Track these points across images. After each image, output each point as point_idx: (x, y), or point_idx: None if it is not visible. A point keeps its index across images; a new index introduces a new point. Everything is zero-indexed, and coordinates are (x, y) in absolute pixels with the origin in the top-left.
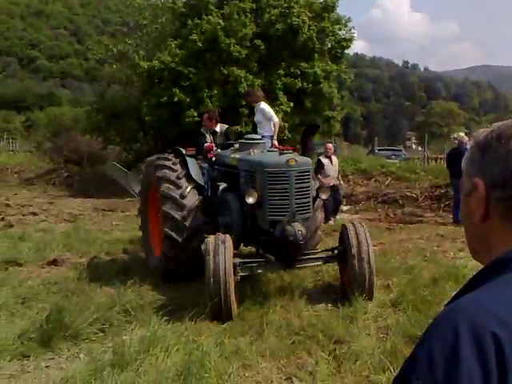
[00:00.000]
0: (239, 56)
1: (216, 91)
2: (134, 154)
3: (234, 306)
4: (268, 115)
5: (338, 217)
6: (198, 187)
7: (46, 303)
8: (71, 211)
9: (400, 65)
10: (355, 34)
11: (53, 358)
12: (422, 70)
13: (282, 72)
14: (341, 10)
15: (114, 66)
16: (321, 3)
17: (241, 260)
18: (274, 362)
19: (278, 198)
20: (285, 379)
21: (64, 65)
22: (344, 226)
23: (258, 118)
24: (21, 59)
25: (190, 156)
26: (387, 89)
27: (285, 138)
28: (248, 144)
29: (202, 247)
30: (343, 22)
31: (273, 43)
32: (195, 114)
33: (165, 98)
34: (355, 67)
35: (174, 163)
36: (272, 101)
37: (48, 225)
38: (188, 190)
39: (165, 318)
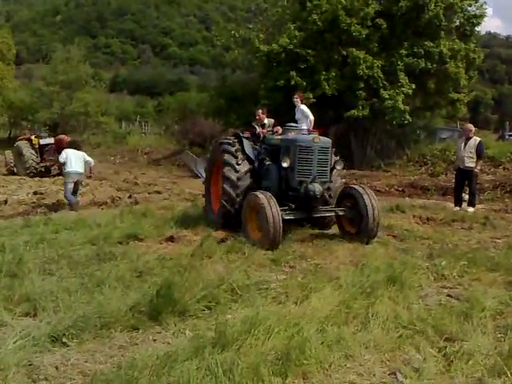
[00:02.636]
0: (359, 36)
1: (334, 73)
2: None
3: (281, 237)
4: (306, 114)
5: (464, 205)
6: (249, 160)
7: (159, 278)
8: (192, 191)
9: None
10: (488, 11)
11: (160, 332)
12: None
13: (404, 52)
14: None
15: (236, 52)
16: None
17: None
18: (378, 355)
19: (304, 164)
20: (388, 374)
21: (193, 51)
22: (353, 188)
23: (298, 115)
24: (154, 46)
25: (246, 138)
26: None
27: (405, 122)
28: (288, 129)
29: (252, 198)
30: None
31: (395, 22)
32: (311, 96)
33: (282, 81)
34: (487, 47)
35: (233, 142)
36: (392, 83)
37: (170, 203)
38: (242, 159)
39: (269, 299)
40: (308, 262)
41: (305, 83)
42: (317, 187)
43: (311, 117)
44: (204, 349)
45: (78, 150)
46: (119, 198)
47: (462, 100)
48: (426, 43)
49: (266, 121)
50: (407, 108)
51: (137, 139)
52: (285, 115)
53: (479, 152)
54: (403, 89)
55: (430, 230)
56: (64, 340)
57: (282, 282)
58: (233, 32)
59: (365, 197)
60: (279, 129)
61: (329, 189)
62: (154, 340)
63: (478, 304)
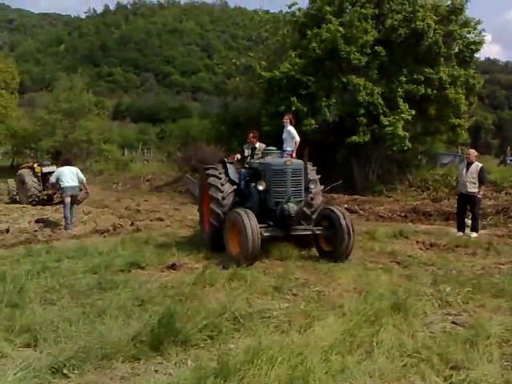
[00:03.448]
0: (359, 64)
1: (334, 100)
2: None
3: (258, 253)
4: (292, 135)
5: (467, 231)
6: (232, 182)
7: (161, 307)
8: (194, 217)
9: None
10: (486, 38)
11: (161, 363)
12: None
13: (403, 79)
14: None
15: (237, 79)
16: (448, 6)
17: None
18: None
19: (278, 186)
20: None
21: (195, 79)
22: (330, 209)
23: (284, 135)
24: (157, 74)
25: (230, 163)
26: None
27: (405, 148)
28: (266, 153)
29: (233, 215)
30: (472, 24)
31: (395, 49)
32: (313, 121)
33: (283, 107)
34: (487, 73)
35: (219, 172)
36: (392, 109)
37: (172, 230)
38: (225, 181)
39: (271, 328)
40: (311, 289)
41: (306, 109)
42: (291, 207)
43: (297, 138)
44: (206, 379)
45: (70, 165)
46: (121, 225)
47: (462, 125)
48: (425, 70)
49: (257, 144)
50: (407, 134)
51: (139, 166)
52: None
53: (481, 177)
54: (403, 115)
55: (434, 256)
56: (65, 371)
57: (285, 310)
58: (234, 60)
59: (341, 218)
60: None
61: (310, 206)
62: (156, 371)
63: (484, 331)
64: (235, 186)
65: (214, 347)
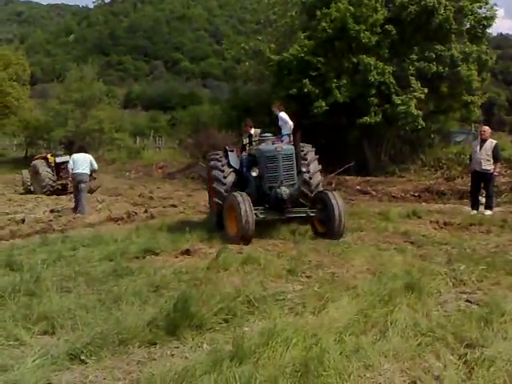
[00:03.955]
0: (369, 43)
1: (345, 81)
2: None
3: (253, 233)
4: (285, 121)
5: (481, 208)
6: (235, 170)
7: (176, 292)
8: (207, 203)
9: None
10: (498, 12)
11: (178, 347)
12: None
13: (414, 57)
14: None
15: (247, 64)
16: None
17: (255, 208)
18: (398, 364)
19: (271, 171)
20: (408, 383)
21: (204, 65)
22: (324, 193)
23: (280, 123)
24: (166, 62)
25: (232, 151)
26: None
27: (419, 127)
28: (261, 140)
29: (230, 198)
30: None
31: (405, 27)
32: (323, 104)
33: (294, 90)
34: (499, 48)
35: (220, 156)
36: (404, 88)
37: (185, 216)
38: (227, 172)
39: (286, 310)
40: (324, 271)
41: (317, 91)
42: (284, 191)
43: (290, 122)
44: (222, 362)
45: (85, 152)
46: (135, 213)
47: (475, 102)
48: (436, 47)
49: (252, 131)
50: (420, 113)
51: (151, 154)
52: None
53: (496, 154)
54: (415, 94)
55: (448, 235)
56: (82, 357)
57: (299, 292)
58: (243, 44)
59: (333, 200)
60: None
61: (309, 184)
62: (172, 355)
63: (498, 309)
64: (236, 176)
65: (229, 330)
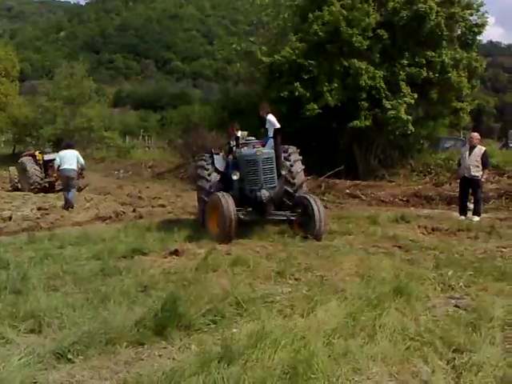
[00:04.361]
0: (361, 47)
1: (336, 84)
2: None
3: (234, 232)
4: (272, 123)
5: (469, 214)
6: (218, 171)
7: (164, 292)
8: (196, 204)
9: None
10: (489, 20)
11: (165, 348)
12: None
13: (405, 62)
14: None
15: (238, 65)
16: None
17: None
18: (386, 368)
19: (251, 174)
20: None
21: (196, 65)
22: (304, 197)
23: (267, 125)
24: (157, 61)
25: (217, 153)
26: None
27: (408, 132)
28: (244, 144)
29: (213, 198)
30: (475, 6)
31: (397, 32)
32: (315, 107)
33: (285, 93)
34: (489, 56)
35: (207, 158)
36: (394, 93)
37: (174, 216)
38: (211, 171)
39: (274, 312)
40: (313, 273)
41: (308, 94)
42: (263, 193)
43: (277, 125)
44: (210, 364)
45: (72, 149)
46: (123, 212)
47: (464, 109)
48: (427, 53)
49: (239, 134)
50: (410, 118)
51: (140, 153)
52: (289, 126)
53: (484, 161)
54: (405, 99)
55: (436, 240)
56: (69, 356)
57: (288, 294)
58: (234, 45)
59: (313, 204)
60: None
61: (292, 184)
62: (160, 355)
63: (486, 314)
64: (220, 176)
65: (218, 332)
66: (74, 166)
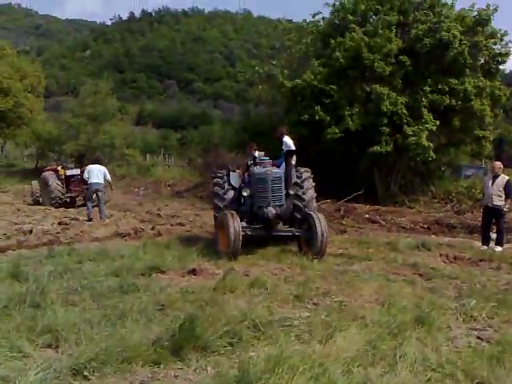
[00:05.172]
0: (383, 73)
1: (357, 109)
2: None
3: (239, 249)
4: (288, 145)
5: (492, 244)
6: (234, 188)
7: (182, 311)
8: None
9: None
10: None
11: (182, 368)
12: None
13: (428, 89)
14: (498, 22)
15: (260, 87)
16: (474, 17)
17: (244, 225)
18: None
19: (260, 192)
20: None
21: (217, 87)
22: (309, 214)
23: (283, 146)
24: (179, 81)
25: (233, 171)
26: None
27: (429, 158)
28: (257, 163)
29: (221, 216)
30: (499, 35)
31: (419, 59)
32: (336, 130)
33: (306, 116)
34: None
35: (223, 175)
36: (416, 119)
37: (192, 235)
38: (227, 189)
39: (292, 337)
40: (332, 299)
41: (329, 118)
42: (270, 211)
43: (292, 147)
44: None
45: (100, 164)
46: (142, 229)
47: (487, 137)
48: (450, 80)
49: (256, 154)
50: (431, 145)
51: (161, 171)
52: (310, 148)
53: (507, 191)
54: (427, 125)
55: (458, 270)
56: (85, 373)
57: (306, 319)
58: (257, 68)
59: (316, 222)
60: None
61: (302, 199)
62: (176, 376)
63: (510, 347)
64: (236, 192)
65: (235, 354)
66: (102, 180)
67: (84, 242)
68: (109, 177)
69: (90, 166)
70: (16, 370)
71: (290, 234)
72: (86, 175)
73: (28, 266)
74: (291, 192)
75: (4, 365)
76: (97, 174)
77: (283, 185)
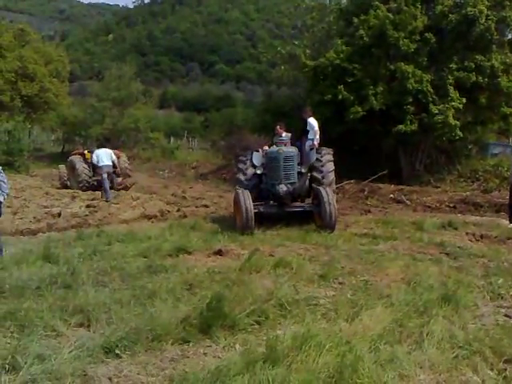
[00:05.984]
0: (408, 50)
1: (381, 88)
2: None
3: (253, 224)
4: (312, 126)
5: None
6: (255, 167)
7: (209, 291)
8: None
9: None
10: None
11: (210, 346)
12: None
13: (453, 66)
14: None
15: (283, 68)
16: None
17: (257, 203)
18: (434, 376)
19: (272, 170)
20: None
21: (240, 68)
22: (319, 189)
23: (308, 127)
24: (202, 64)
25: (257, 151)
26: None
27: (456, 137)
28: (276, 142)
29: (235, 194)
30: None
31: (445, 36)
32: (359, 109)
33: (329, 96)
34: None
35: (246, 154)
36: (441, 97)
37: (217, 216)
38: (249, 166)
39: (318, 315)
40: (357, 278)
41: (352, 97)
42: (281, 188)
43: (316, 128)
44: (255, 364)
45: (105, 148)
46: (168, 211)
47: None
48: (476, 57)
49: (283, 134)
50: (457, 123)
51: (184, 154)
52: (333, 129)
53: None
54: (453, 103)
55: (485, 248)
56: (117, 351)
57: (331, 298)
58: (279, 48)
59: (324, 195)
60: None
61: (320, 171)
62: (205, 354)
63: None
64: (256, 171)
65: (262, 332)
66: (110, 162)
67: (112, 224)
68: (115, 157)
69: (97, 151)
70: (51, 348)
71: (302, 209)
72: (94, 159)
73: (58, 248)
74: (303, 170)
75: (39, 343)
76: (106, 156)
77: (295, 163)
